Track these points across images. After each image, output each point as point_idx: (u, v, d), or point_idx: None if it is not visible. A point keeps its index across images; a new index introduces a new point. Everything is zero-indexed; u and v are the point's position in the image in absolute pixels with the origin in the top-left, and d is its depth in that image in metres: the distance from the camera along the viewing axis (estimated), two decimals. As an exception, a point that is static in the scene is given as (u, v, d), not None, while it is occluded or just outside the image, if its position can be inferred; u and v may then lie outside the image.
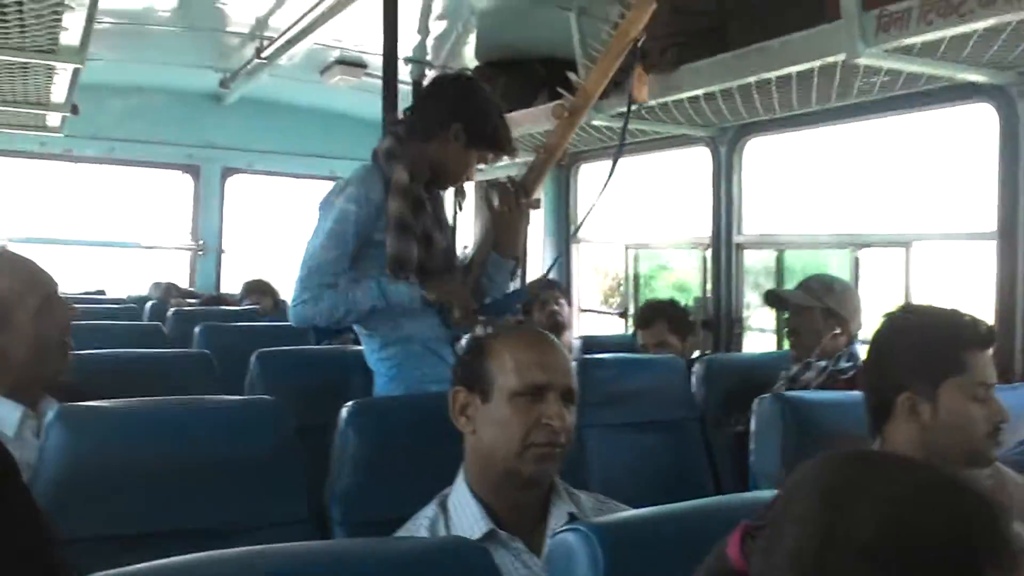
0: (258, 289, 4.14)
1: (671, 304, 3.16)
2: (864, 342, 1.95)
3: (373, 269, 1.96)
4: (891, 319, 1.55)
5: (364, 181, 1.97)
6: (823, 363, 2.41)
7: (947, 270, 2.82)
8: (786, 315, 2.64)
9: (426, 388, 1.92)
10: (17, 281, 1.51)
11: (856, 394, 1.60)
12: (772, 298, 2.76)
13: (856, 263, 2.87)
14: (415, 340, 1.99)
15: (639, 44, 2.10)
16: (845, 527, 0.65)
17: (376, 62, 2.96)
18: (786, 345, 3.01)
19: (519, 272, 2.24)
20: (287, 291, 2.02)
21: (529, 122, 3.44)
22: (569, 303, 3.94)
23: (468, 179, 2.10)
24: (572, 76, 2.60)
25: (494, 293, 2.15)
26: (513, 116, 2.12)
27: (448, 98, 2.06)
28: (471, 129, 2.02)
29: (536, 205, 2.17)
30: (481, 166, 2.11)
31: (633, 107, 2.87)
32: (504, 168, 4.30)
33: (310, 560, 0.85)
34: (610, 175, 2.26)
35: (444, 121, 2.01)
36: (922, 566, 0.64)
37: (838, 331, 2.45)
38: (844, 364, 2.39)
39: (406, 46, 3.84)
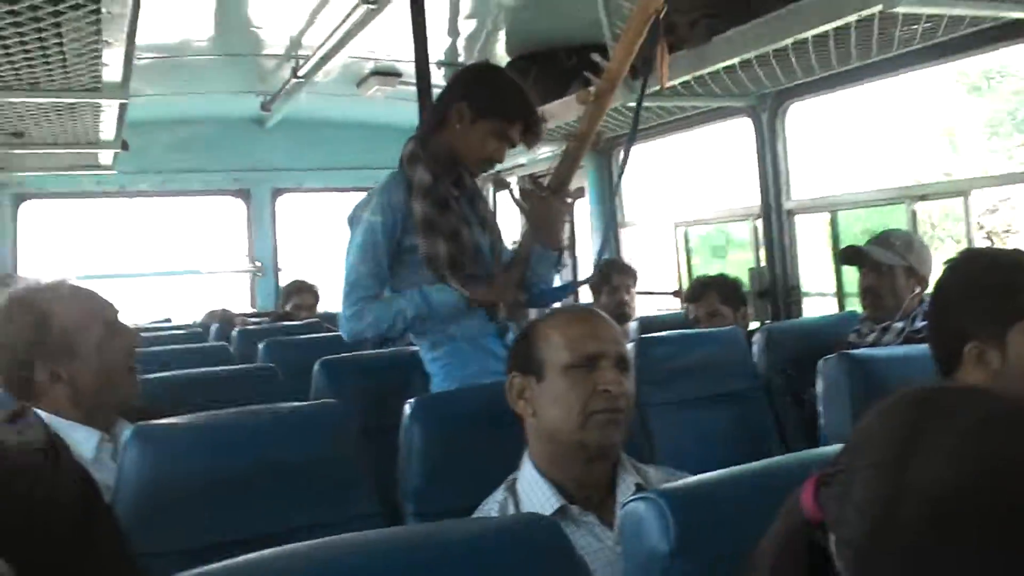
0: (298, 288, 4.26)
1: (721, 277, 3.12)
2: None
3: (412, 275, 1.98)
4: (952, 267, 1.50)
5: (387, 189, 1.98)
6: (900, 324, 2.32)
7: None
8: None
9: (478, 382, 1.91)
10: (79, 311, 1.56)
11: (923, 347, 1.54)
12: (851, 255, 2.55)
13: (913, 217, 2.78)
14: (462, 338, 2.00)
15: (660, 17, 1.98)
16: (917, 466, 0.64)
17: (410, 69, 2.98)
18: (849, 306, 2.93)
19: (564, 263, 2.23)
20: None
21: (560, 112, 3.42)
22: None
23: (494, 159, 2.05)
24: (596, 58, 2.53)
25: (540, 284, 2.15)
26: (544, 108, 2.06)
27: (456, 84, 2.06)
28: (474, 103, 1.98)
29: (579, 194, 2.11)
30: (521, 159, 2.07)
31: (657, 88, 2.79)
32: (544, 160, 4.32)
33: (386, 545, 0.86)
34: (624, 160, 2.22)
35: (450, 104, 2.00)
36: (999, 500, 0.61)
37: (918, 290, 2.35)
38: (919, 324, 2.27)
39: (437, 50, 3.86)
